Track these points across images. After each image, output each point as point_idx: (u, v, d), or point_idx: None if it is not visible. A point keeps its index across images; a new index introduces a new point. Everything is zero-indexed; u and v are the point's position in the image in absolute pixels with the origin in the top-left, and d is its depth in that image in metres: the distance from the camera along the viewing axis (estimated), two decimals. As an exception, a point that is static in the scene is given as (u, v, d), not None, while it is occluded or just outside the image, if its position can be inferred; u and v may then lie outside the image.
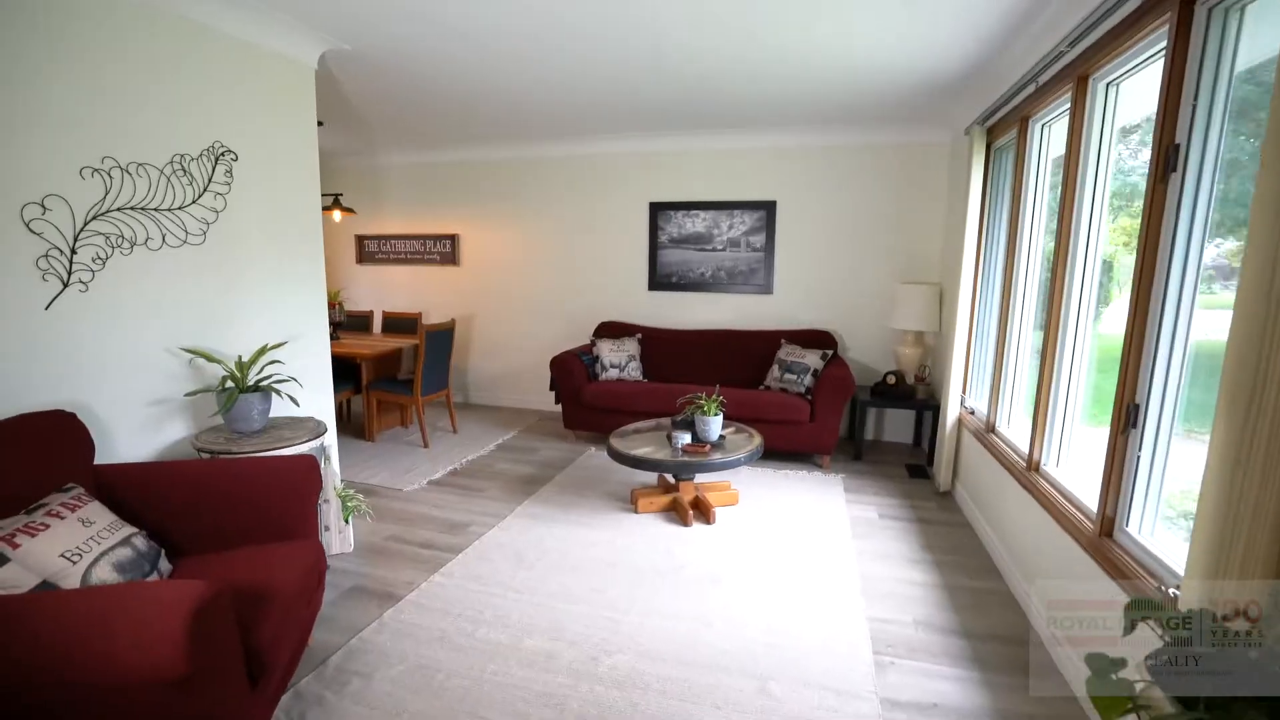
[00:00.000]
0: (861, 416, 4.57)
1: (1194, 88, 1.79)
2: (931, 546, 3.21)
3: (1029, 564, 2.63)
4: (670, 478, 3.68)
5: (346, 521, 3.02)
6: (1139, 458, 1.95)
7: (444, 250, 6.09)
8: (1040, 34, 2.73)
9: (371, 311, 5.97)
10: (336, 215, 4.98)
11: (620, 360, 5.01)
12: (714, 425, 3.44)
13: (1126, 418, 1.98)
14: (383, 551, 3.08)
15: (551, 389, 5.06)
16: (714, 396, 3.47)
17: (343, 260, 6.49)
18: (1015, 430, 3.18)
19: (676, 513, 3.50)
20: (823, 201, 4.99)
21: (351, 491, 3.16)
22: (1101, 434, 2.15)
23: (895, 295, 4.77)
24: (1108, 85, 2.40)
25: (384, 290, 6.39)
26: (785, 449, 4.33)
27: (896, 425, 5.07)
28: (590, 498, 3.80)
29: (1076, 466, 2.54)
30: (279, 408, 2.79)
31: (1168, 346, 1.88)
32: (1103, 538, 2.05)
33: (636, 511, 3.54)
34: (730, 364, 4.97)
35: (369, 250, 6.39)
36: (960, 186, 4.14)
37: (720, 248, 5.25)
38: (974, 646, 2.37)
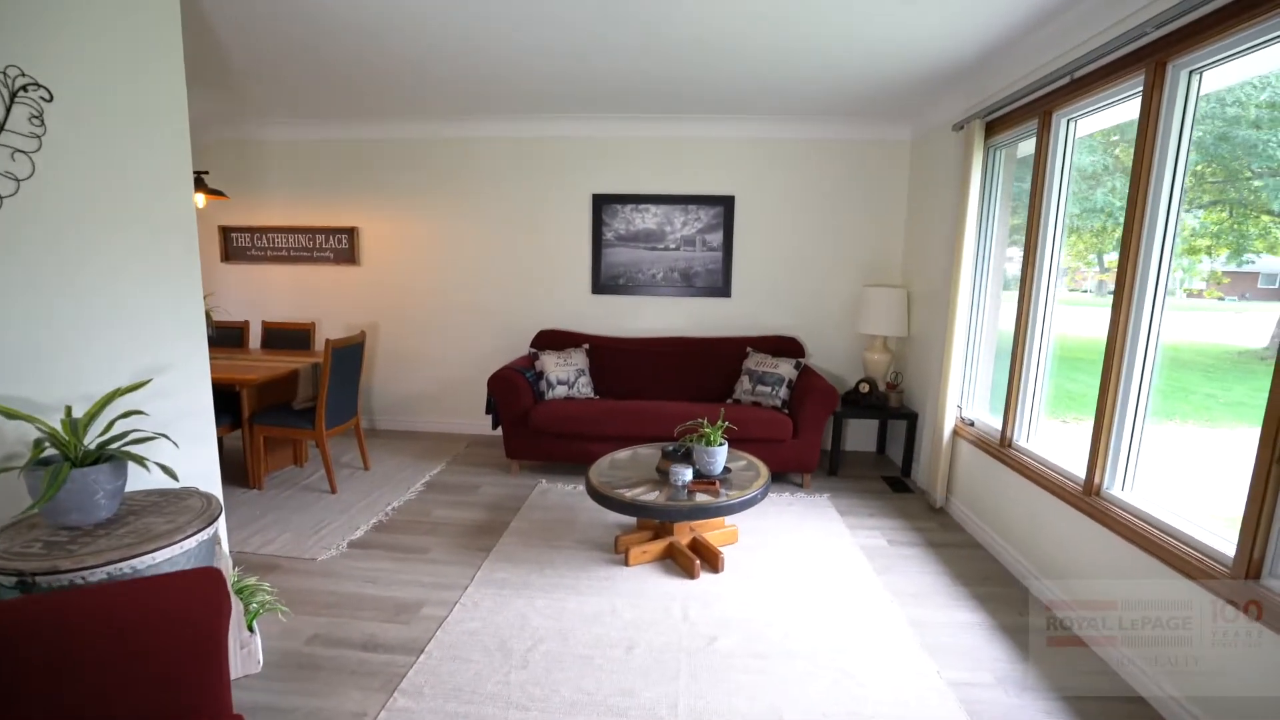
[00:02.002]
0: (838, 429, 4.26)
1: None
2: (961, 577, 2.90)
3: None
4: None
5: (250, 630, 2.16)
6: (1297, 494, 1.69)
7: (339, 247, 5.07)
8: (1093, 13, 2.47)
9: (246, 322, 4.83)
10: (200, 200, 3.87)
11: (568, 375, 4.35)
12: (719, 456, 2.92)
13: (1281, 449, 1.70)
14: (308, 664, 2.24)
15: (489, 412, 4.30)
16: (719, 422, 2.95)
17: (204, 258, 5.20)
18: (1040, 444, 2.95)
19: (677, 561, 2.94)
20: (784, 198, 4.64)
21: (253, 582, 2.29)
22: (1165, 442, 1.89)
23: (860, 299, 4.52)
24: (1190, 73, 2.15)
25: (259, 295, 5.23)
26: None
27: (861, 435, 4.84)
28: (564, 548, 3.14)
29: (1157, 492, 2.29)
30: (138, 478, 1.88)
31: (1337, 366, 1.62)
32: (1249, 581, 1.77)
33: (628, 563, 2.94)
34: (693, 376, 4.48)
35: (239, 245, 5.20)
36: (938, 183, 3.93)
37: (673, 246, 4.74)
38: (1078, 707, 2.05)
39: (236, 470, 4.03)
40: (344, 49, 3.27)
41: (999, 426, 3.20)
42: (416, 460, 4.51)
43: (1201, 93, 2.16)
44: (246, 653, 2.12)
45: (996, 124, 3.28)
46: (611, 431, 3.93)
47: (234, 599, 1.98)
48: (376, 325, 5.18)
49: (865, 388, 4.31)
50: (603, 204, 4.71)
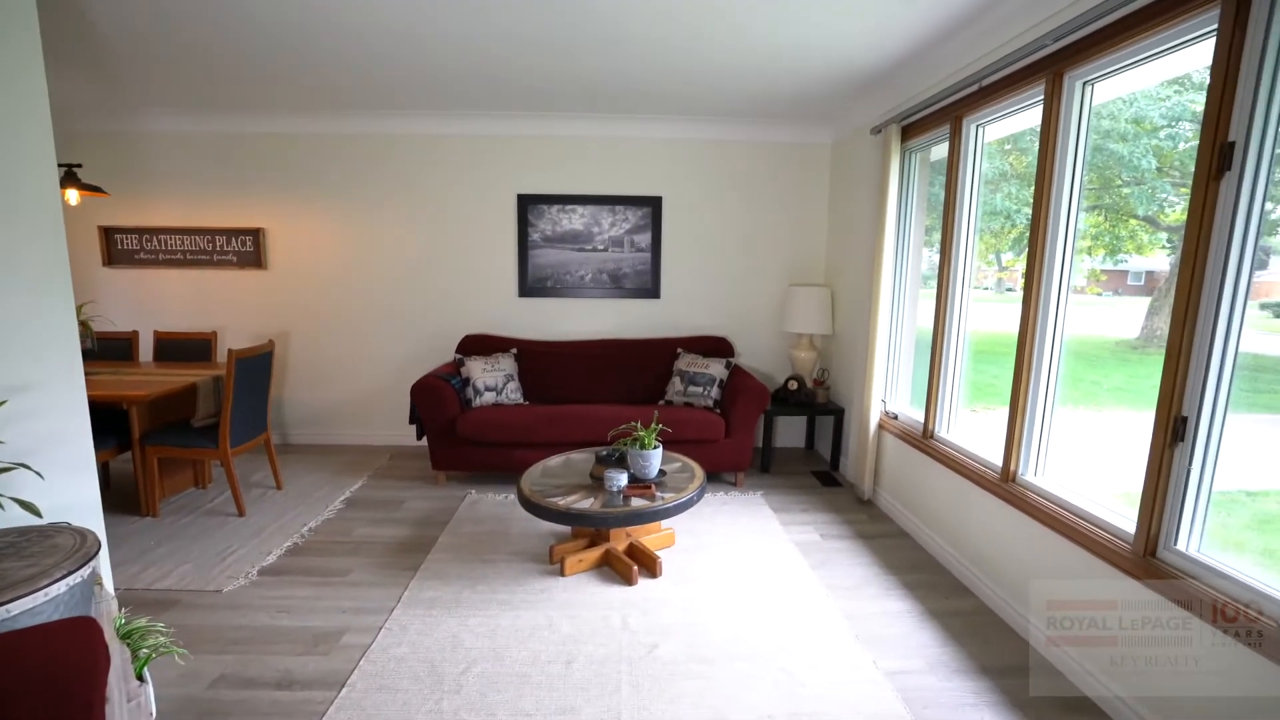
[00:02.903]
0: (768, 427, 4.32)
1: (1254, 79, 1.65)
2: (891, 567, 2.99)
3: (1017, 582, 2.48)
4: (596, 525, 3.04)
5: (140, 679, 1.93)
6: (1188, 474, 1.81)
7: (244, 249, 4.70)
8: (999, 24, 2.59)
9: (135, 333, 4.40)
10: (73, 196, 3.47)
11: (496, 381, 4.21)
12: (654, 460, 2.88)
13: (1173, 431, 1.82)
14: (212, 710, 2.03)
15: (413, 421, 4.09)
16: (653, 425, 2.91)
17: (82, 262, 4.73)
18: (960, 434, 3.08)
19: (614, 569, 2.88)
20: (711, 199, 4.67)
21: (144, 623, 2.06)
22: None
23: (786, 298, 4.61)
24: (1084, 84, 2.29)
25: (150, 303, 4.78)
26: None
27: (791, 431, 4.94)
28: (497, 561, 3.02)
29: (1063, 475, 2.43)
30: None
31: (1219, 354, 1.74)
32: (1148, 558, 1.89)
33: (563, 574, 2.85)
34: (625, 378, 4.44)
35: (125, 249, 4.73)
36: (858, 185, 4.06)
37: (601, 247, 4.67)
38: (1003, 685, 2.14)
39: (127, 497, 3.65)
40: (232, 33, 3.01)
41: (921, 419, 3.32)
42: (336, 476, 4.24)
43: (1093, 104, 2.31)
44: (135, 705, 1.89)
45: (912, 128, 3.41)
46: (542, 438, 3.82)
47: (118, 647, 1.76)
48: (288, 333, 4.84)
49: (794, 385, 4.40)
50: (528, 204, 4.59)
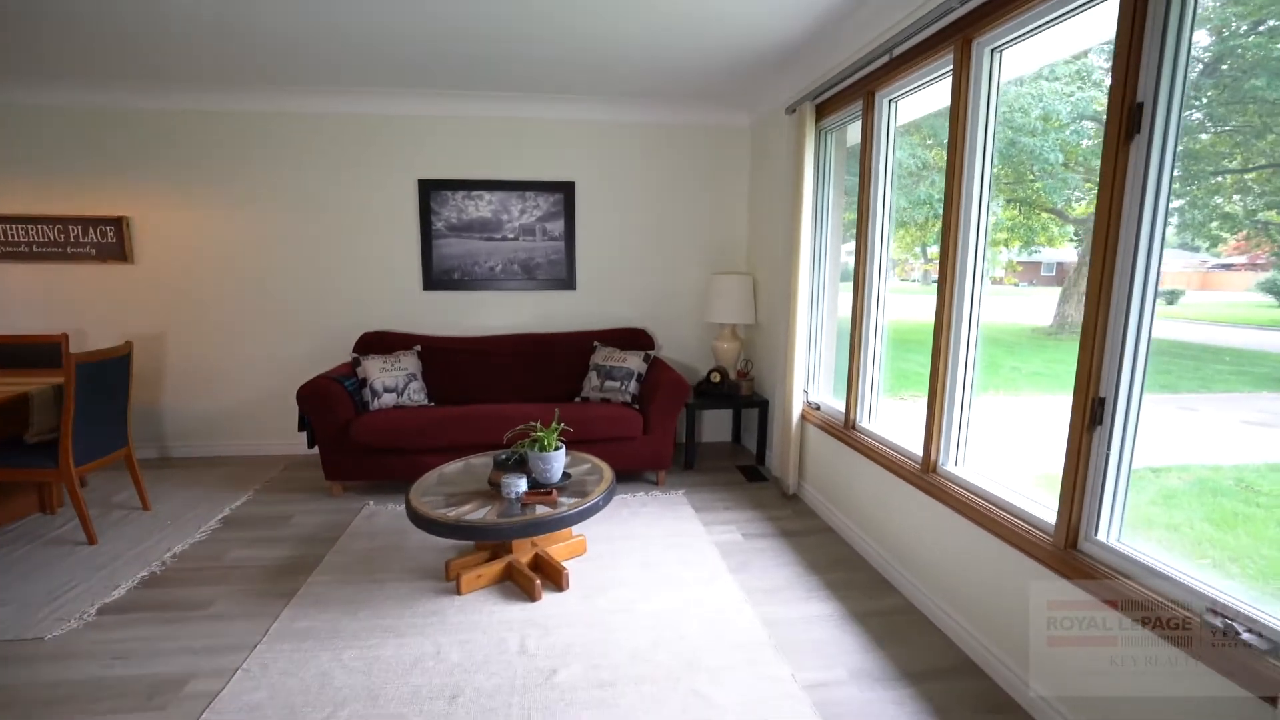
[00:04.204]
0: (691, 421, 4.14)
1: (1158, 41, 1.55)
2: (814, 566, 2.85)
3: (943, 580, 2.37)
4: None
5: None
6: (1107, 456, 1.71)
7: (105, 240, 4.15)
8: (903, -10, 2.47)
9: (-34, 337, 3.81)
10: None
11: (397, 382, 3.86)
12: (556, 462, 2.63)
13: (1091, 414, 1.72)
14: (0, 788, 1.66)
15: (302, 429, 3.70)
16: (554, 424, 2.66)
17: (-99, 258, 4.08)
18: (881, 424, 2.98)
19: (517, 583, 2.62)
20: (626, 185, 4.45)
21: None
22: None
23: (708, 287, 4.45)
24: (992, 51, 2.19)
25: (-8, 303, 4.17)
26: (618, 469, 3.68)
27: (715, 425, 4.79)
28: (388, 581, 2.70)
29: (984, 464, 2.33)
30: None
31: (1134, 334, 1.64)
32: (1069, 550, 1.79)
33: (459, 592, 2.57)
34: (538, 375, 4.17)
35: (-45, 242, 4.10)
36: (776, 169, 3.93)
37: (512, 236, 4.38)
38: (926, 690, 2.01)
39: (-54, 528, 3.12)
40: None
41: (843, 409, 3.21)
42: (215, 491, 3.79)
43: (1001, 77, 2.21)
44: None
45: (826, 105, 3.29)
46: (446, 441, 3.51)
47: None
48: (162, 334, 4.32)
49: (717, 377, 4.24)
50: (431, 190, 4.25)
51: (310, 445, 3.71)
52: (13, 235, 4.11)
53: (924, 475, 2.44)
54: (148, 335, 4.28)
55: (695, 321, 4.64)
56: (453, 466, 2.95)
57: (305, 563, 2.89)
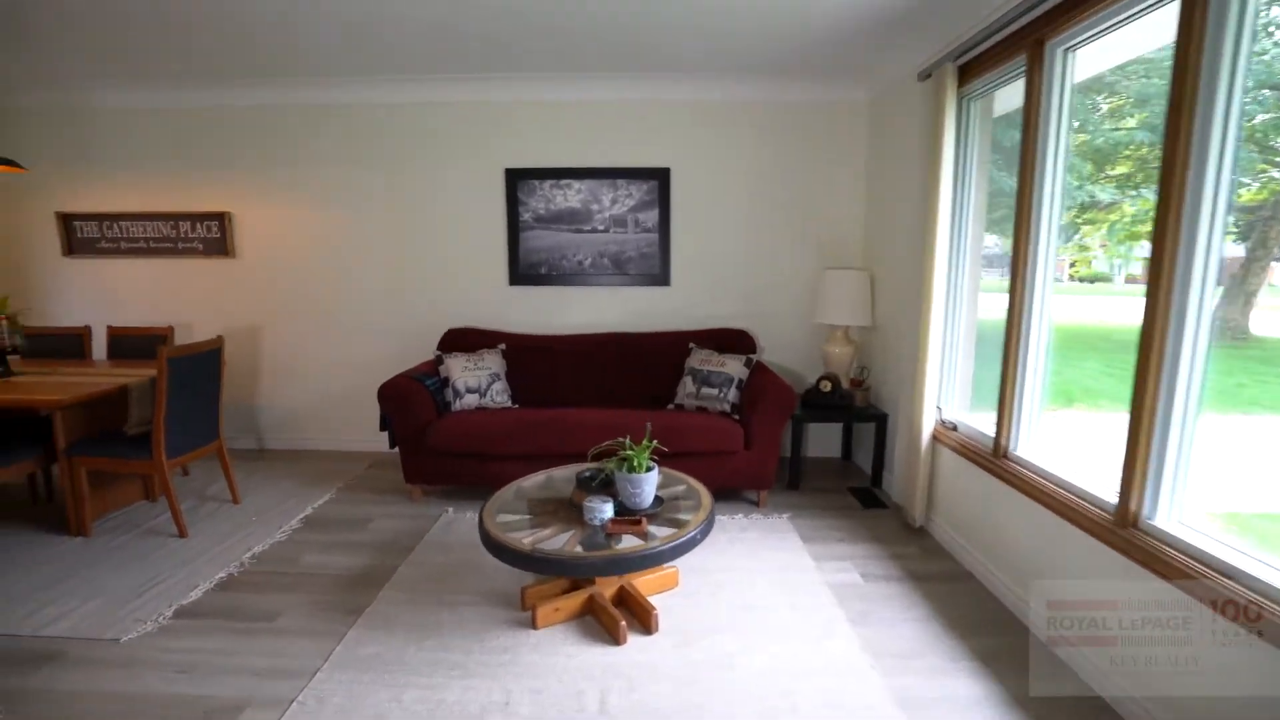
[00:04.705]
0: (797, 435, 3.68)
1: None
2: (954, 624, 2.33)
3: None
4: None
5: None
6: None
7: (210, 235, 4.24)
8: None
9: (86, 328, 3.98)
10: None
11: (480, 382, 3.65)
12: (647, 486, 2.28)
13: None
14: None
15: (384, 428, 3.57)
16: (645, 441, 2.30)
17: (40, 252, 4.34)
18: (1044, 452, 2.40)
19: (599, 620, 2.30)
20: (727, 170, 4.03)
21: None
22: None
23: (818, 284, 3.96)
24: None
25: (112, 295, 4.37)
26: (714, 487, 3.26)
27: (824, 438, 4.28)
28: (459, 604, 2.46)
29: (1210, 519, 1.75)
30: None
31: None
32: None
33: (535, 626, 2.28)
34: (627, 378, 3.85)
35: (85, 236, 4.31)
36: (900, 148, 3.39)
37: (602, 228, 4.08)
38: (1130, 836, 1.49)
39: (58, 514, 3.21)
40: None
41: (988, 431, 2.66)
42: (302, 487, 3.75)
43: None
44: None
45: (971, 67, 2.74)
46: (526, 448, 3.26)
47: None
48: (259, 328, 4.37)
49: (827, 386, 3.74)
50: (518, 180, 4.02)
51: (391, 446, 3.57)
52: (131, 231, 4.27)
53: (1119, 530, 1.87)
54: (247, 328, 4.34)
55: (801, 322, 4.15)
56: (532, 480, 2.67)
57: (377, 574, 2.71)
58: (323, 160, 4.11)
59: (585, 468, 2.52)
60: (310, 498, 3.58)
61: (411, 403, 3.32)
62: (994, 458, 2.55)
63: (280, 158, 4.12)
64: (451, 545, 2.99)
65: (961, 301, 3.02)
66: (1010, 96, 2.84)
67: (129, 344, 3.87)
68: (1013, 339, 2.48)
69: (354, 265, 4.22)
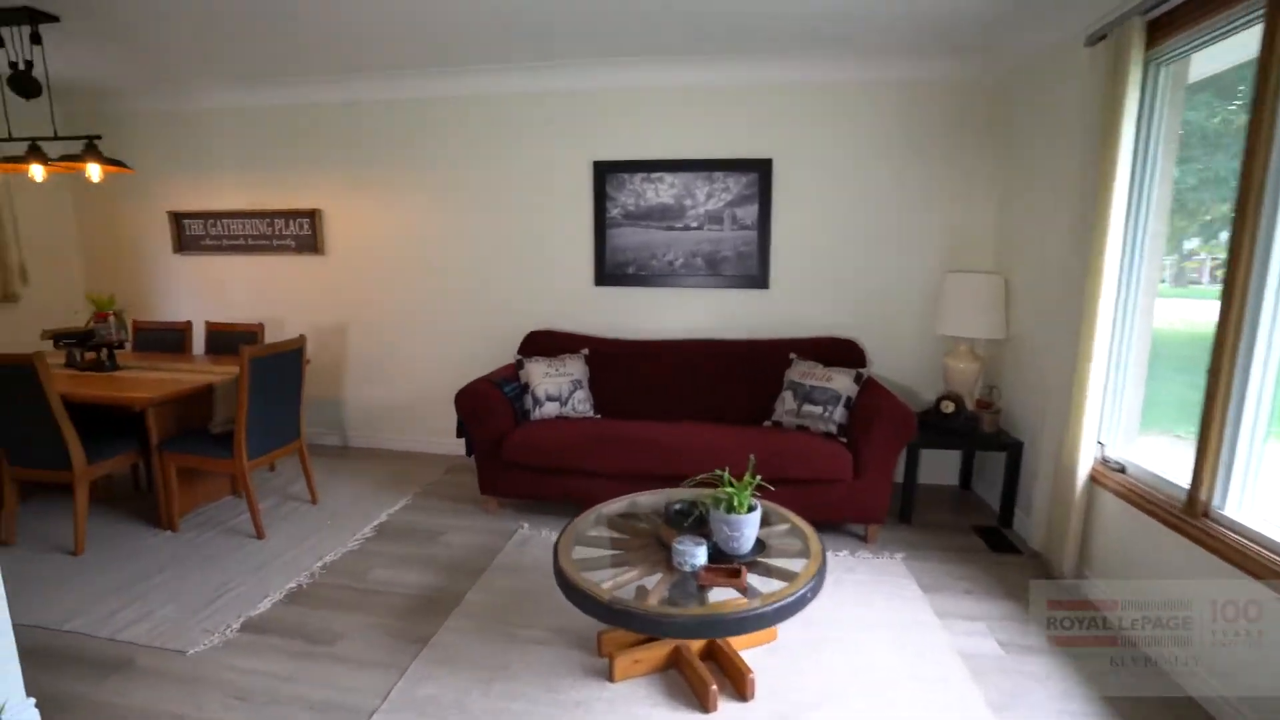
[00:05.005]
0: (912, 462, 3.21)
1: None
2: (1130, 722, 1.85)
3: None
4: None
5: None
6: None
7: (300, 233, 4.27)
8: None
9: (188, 324, 4.09)
10: (95, 171, 3.09)
11: (561, 389, 3.43)
12: (748, 530, 1.94)
13: None
14: None
15: (460, 435, 3.42)
16: (748, 476, 1.96)
17: (154, 249, 4.53)
18: (1263, 515, 1.87)
19: (685, 678, 1.99)
20: (836, 160, 3.60)
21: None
22: None
23: (940, 290, 3.46)
24: None
25: (215, 292, 4.50)
26: (817, 520, 2.84)
27: (939, 463, 3.76)
28: (530, 641, 2.22)
29: None
30: None
31: None
32: None
33: (612, 678, 2.00)
34: (720, 390, 3.51)
35: (193, 234, 4.46)
36: (1045, 130, 2.85)
37: (695, 225, 3.75)
38: None
39: (153, 507, 3.24)
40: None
41: (1172, 477, 2.13)
42: (379, 489, 3.67)
43: None
44: None
45: (1167, 22, 2.20)
46: (608, 466, 2.99)
47: None
48: (346, 325, 4.36)
49: (949, 407, 3.25)
50: (606, 174, 3.76)
51: (468, 453, 3.42)
52: (231, 229, 4.37)
53: None
54: (334, 326, 4.34)
55: (918, 333, 3.66)
56: (614, 506, 2.39)
57: (445, 598, 2.52)
58: (408, 155, 4.02)
59: (676, 498, 2.21)
60: (386, 502, 3.48)
61: (489, 410, 3.13)
62: (1188, 515, 2.02)
63: (368, 154, 4.07)
64: (525, 568, 2.76)
65: (1133, 315, 2.47)
66: (1206, 61, 2.29)
67: (224, 339, 3.94)
68: (1222, 369, 1.94)
69: (437, 263, 4.12)
